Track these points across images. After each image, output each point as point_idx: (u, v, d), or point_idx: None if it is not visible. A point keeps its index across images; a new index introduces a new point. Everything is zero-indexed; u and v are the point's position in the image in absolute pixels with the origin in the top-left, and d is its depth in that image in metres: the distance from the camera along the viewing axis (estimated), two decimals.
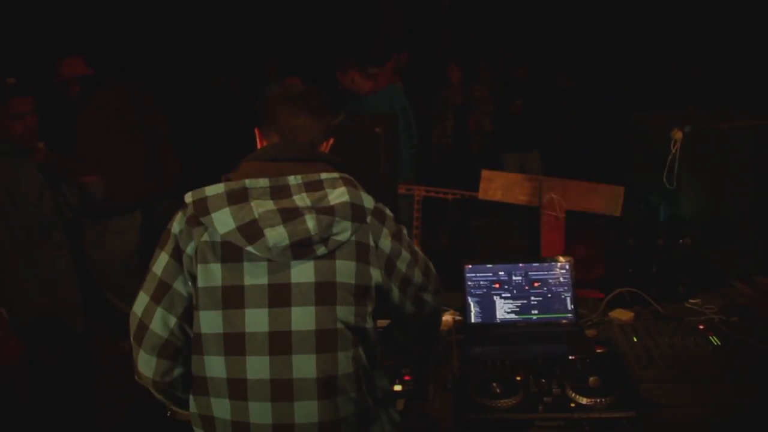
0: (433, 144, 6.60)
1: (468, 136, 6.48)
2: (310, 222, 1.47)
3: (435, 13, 8.92)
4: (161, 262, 1.55)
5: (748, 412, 1.85)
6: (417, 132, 4.96)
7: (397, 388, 1.99)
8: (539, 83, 6.71)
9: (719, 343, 2.10)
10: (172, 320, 1.55)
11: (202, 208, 1.49)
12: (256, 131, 1.70)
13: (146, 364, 1.58)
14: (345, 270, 1.52)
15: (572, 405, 1.83)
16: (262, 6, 8.36)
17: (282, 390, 1.49)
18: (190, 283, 1.53)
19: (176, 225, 1.55)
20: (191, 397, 1.59)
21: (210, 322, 1.51)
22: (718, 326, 2.26)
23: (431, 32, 8.69)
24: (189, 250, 1.52)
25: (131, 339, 1.60)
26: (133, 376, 1.66)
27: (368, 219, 1.56)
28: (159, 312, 1.55)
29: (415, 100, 5.97)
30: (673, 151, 2.55)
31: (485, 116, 6.44)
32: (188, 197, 1.53)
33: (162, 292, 1.55)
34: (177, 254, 1.54)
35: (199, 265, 1.51)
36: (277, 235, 1.46)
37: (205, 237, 1.51)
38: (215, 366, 1.52)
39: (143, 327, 1.56)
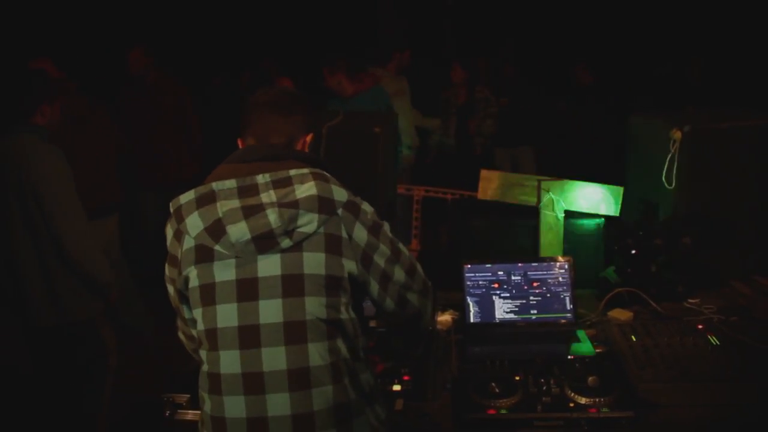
0: (434, 144, 6.61)
1: (469, 137, 6.48)
2: (272, 215, 1.50)
3: (437, 12, 8.93)
4: (168, 272, 1.67)
5: (746, 412, 1.86)
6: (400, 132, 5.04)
7: (396, 387, 1.99)
8: (532, 80, 6.79)
9: (718, 342, 2.10)
10: (188, 320, 1.71)
11: (179, 216, 1.57)
12: (238, 141, 1.74)
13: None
14: (313, 262, 1.54)
15: (571, 405, 1.83)
16: (261, 6, 8.36)
17: (254, 383, 1.51)
18: (182, 291, 1.63)
19: (168, 238, 1.64)
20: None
21: (198, 319, 1.59)
22: (717, 326, 2.26)
23: (434, 31, 8.71)
24: (179, 258, 1.59)
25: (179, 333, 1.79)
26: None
27: (339, 211, 1.57)
28: (180, 317, 1.71)
29: (419, 99, 5.99)
30: (672, 150, 2.55)
31: (487, 118, 6.44)
32: (171, 206, 1.60)
33: (177, 300, 1.68)
34: (173, 262, 1.62)
35: (186, 270, 1.58)
36: (237, 230, 1.50)
37: (186, 245, 1.58)
38: (204, 361, 1.59)
39: (181, 316, 1.72)
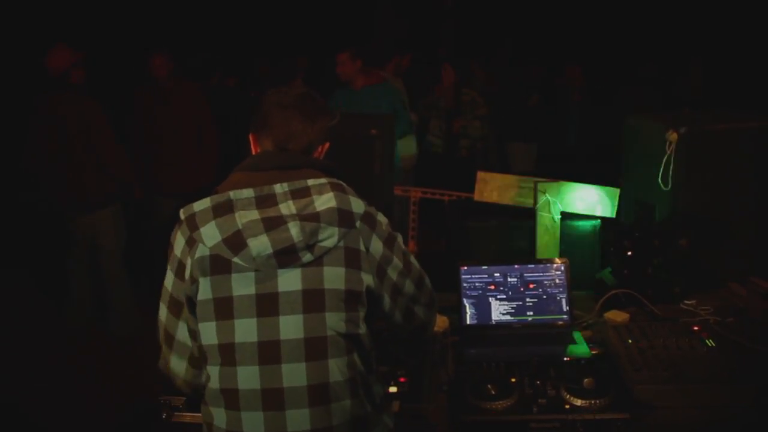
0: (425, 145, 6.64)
1: (455, 139, 6.51)
2: (294, 229, 1.47)
3: (437, 13, 8.94)
4: (169, 279, 1.60)
5: (742, 414, 1.86)
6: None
7: (392, 389, 1.98)
8: (549, 80, 6.90)
9: (714, 344, 2.10)
10: (194, 332, 1.60)
11: (192, 223, 1.52)
12: (251, 137, 1.69)
13: (178, 367, 1.66)
14: (333, 276, 1.51)
15: (567, 407, 1.83)
16: (259, 6, 8.35)
17: (273, 399, 1.49)
18: (192, 298, 1.56)
19: (177, 245, 1.58)
20: (201, 406, 1.62)
21: (207, 333, 1.54)
22: (713, 328, 2.26)
23: (433, 32, 8.72)
24: (188, 266, 1.54)
25: (161, 341, 1.66)
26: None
27: (357, 224, 1.55)
28: (181, 325, 1.61)
29: (414, 99, 6.00)
30: (669, 152, 2.55)
31: (474, 120, 6.45)
32: (181, 213, 1.55)
33: (178, 308, 1.59)
34: (181, 269, 1.56)
35: (198, 279, 1.53)
36: (259, 244, 1.46)
37: (198, 253, 1.53)
38: (214, 376, 1.55)
39: (170, 336, 1.64)
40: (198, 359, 1.62)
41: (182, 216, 1.55)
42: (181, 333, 1.61)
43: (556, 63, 7.49)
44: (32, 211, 4.41)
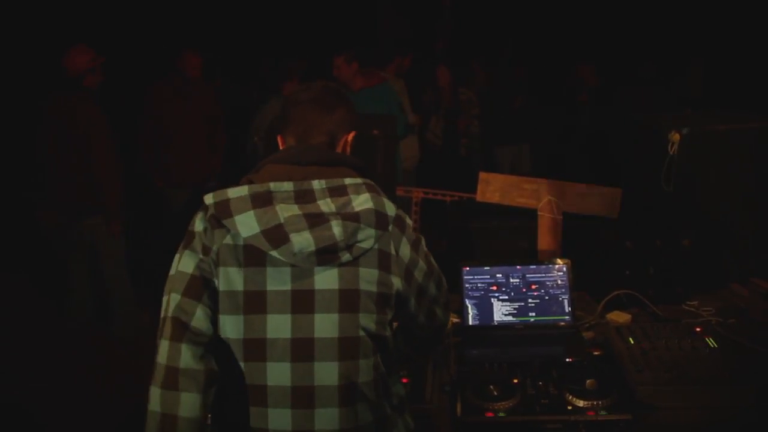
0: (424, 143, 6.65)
1: (457, 137, 6.54)
2: (336, 228, 1.46)
3: (436, 12, 8.95)
4: (191, 260, 1.51)
5: (744, 414, 1.86)
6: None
7: None
8: (539, 81, 6.88)
9: (716, 345, 2.11)
10: (212, 316, 1.52)
11: (224, 210, 1.47)
12: (278, 139, 1.68)
13: (193, 358, 1.50)
14: (368, 277, 1.51)
15: (569, 407, 1.83)
16: (260, 8, 8.36)
17: (303, 397, 1.47)
18: (213, 282, 1.51)
19: (198, 224, 1.53)
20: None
21: (230, 326, 1.50)
22: (715, 328, 2.26)
23: (431, 32, 8.73)
24: (213, 249, 1.50)
25: (168, 341, 1.51)
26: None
27: (390, 227, 1.55)
28: (201, 308, 1.51)
29: (414, 98, 6.01)
30: (671, 153, 2.55)
31: (471, 119, 6.50)
32: (209, 198, 1.50)
33: (199, 289, 1.51)
34: (205, 251, 1.50)
35: (219, 268, 1.49)
36: (303, 240, 1.44)
37: (227, 239, 1.49)
38: (232, 372, 1.52)
39: (183, 325, 1.50)
40: (212, 347, 1.53)
41: (211, 200, 1.49)
42: (199, 319, 1.50)
43: (555, 63, 7.49)
44: (33, 211, 4.39)
